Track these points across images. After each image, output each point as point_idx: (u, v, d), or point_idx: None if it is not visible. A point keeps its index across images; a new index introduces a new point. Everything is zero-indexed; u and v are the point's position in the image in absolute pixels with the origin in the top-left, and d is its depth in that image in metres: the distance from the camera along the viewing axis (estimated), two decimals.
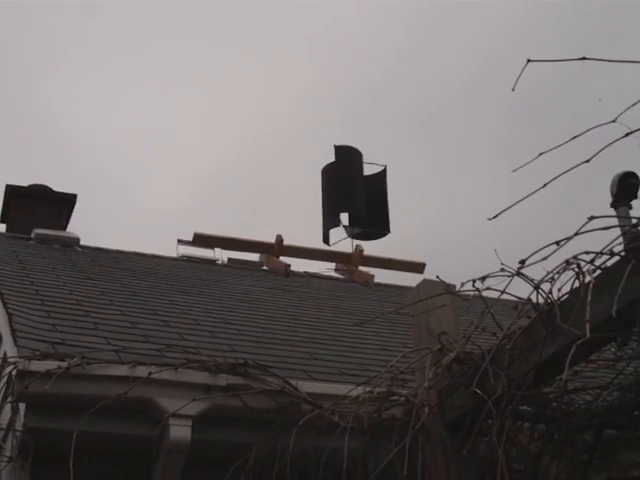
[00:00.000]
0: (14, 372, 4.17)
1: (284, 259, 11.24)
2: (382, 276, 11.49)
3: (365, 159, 12.34)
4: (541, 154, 2.65)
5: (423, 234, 23.07)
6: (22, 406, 4.22)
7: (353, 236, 11.88)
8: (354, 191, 11.92)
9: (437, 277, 3.74)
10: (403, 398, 3.91)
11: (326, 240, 11.93)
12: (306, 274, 11.08)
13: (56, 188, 11.28)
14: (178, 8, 29.10)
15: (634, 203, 7.29)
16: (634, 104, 2.60)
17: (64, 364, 4.21)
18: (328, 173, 12.16)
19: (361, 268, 11.54)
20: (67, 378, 4.18)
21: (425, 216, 24.22)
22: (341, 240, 11.90)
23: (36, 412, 4.20)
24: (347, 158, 12.14)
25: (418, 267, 11.89)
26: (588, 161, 2.65)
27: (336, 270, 11.72)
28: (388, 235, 12.21)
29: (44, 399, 4.15)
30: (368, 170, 12.34)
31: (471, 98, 28.08)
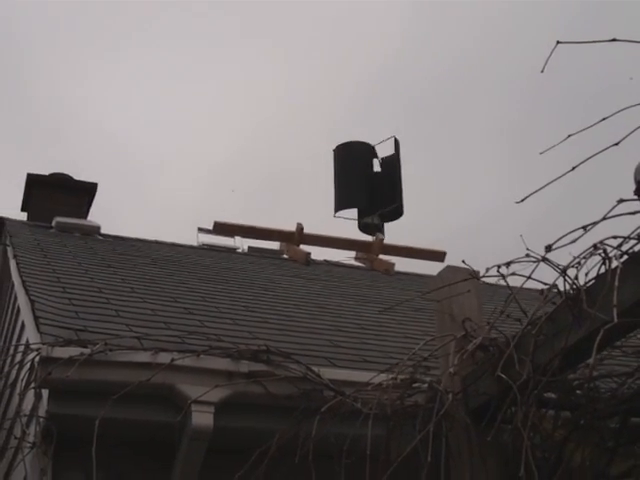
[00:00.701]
0: (37, 359, 4.18)
1: (304, 247, 11.22)
2: (402, 265, 11.48)
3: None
4: (570, 136, 2.62)
5: (440, 221, 23.01)
6: (45, 392, 4.23)
7: (378, 226, 11.89)
8: (358, 186, 11.97)
9: (463, 261, 3.70)
10: (426, 385, 3.89)
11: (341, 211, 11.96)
12: (326, 262, 11.06)
13: (77, 177, 11.33)
14: (193, 5, 29.12)
15: None
16: None
17: (87, 351, 4.21)
18: (342, 152, 12.19)
19: (381, 256, 11.51)
20: (90, 364, 4.18)
21: (441, 204, 24.16)
22: (351, 219, 11.96)
23: (59, 398, 4.20)
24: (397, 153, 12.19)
25: (439, 255, 11.84)
26: (617, 144, 2.61)
27: (356, 259, 11.69)
28: (404, 218, 12.16)
29: (67, 385, 4.14)
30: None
31: (492, 83, 27.94)
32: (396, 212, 11.96)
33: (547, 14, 25.82)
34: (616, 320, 2.68)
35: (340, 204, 11.98)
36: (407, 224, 12.27)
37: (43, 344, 4.24)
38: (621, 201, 2.69)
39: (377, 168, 12.23)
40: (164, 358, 4.28)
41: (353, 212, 12.11)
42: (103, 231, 10.16)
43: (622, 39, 2.42)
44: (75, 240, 9.31)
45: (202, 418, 4.22)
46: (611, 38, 2.44)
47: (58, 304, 5.43)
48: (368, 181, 11.99)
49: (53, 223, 9.95)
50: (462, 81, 27.85)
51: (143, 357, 4.30)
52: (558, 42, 2.46)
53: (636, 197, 7.21)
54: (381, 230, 11.90)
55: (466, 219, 24.03)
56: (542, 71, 2.41)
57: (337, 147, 12.30)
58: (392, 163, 12.14)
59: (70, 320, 5.00)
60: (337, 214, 11.96)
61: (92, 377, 4.21)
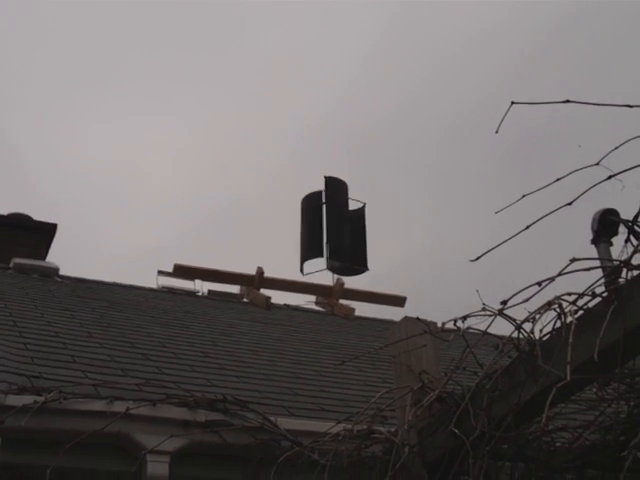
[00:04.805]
0: None
1: (265, 291, 11.20)
2: (363, 309, 11.49)
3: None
4: (524, 196, 2.66)
5: (405, 268, 23.08)
6: None
7: (333, 270, 11.89)
8: (340, 224, 11.97)
9: (417, 318, 3.73)
10: (384, 436, 3.88)
11: (303, 270, 11.96)
12: (287, 307, 11.05)
13: (36, 217, 11.26)
14: (158, 47, 29.23)
15: (614, 239, 7.33)
16: (616, 147, 2.61)
17: (41, 399, 4.16)
18: (309, 202, 12.21)
19: (341, 301, 11.52)
20: (44, 413, 4.13)
21: (407, 251, 24.25)
22: (317, 272, 11.92)
23: (12, 447, 4.14)
24: (336, 190, 12.21)
25: (399, 301, 11.88)
26: (570, 204, 2.65)
27: (316, 303, 11.70)
28: (367, 272, 12.21)
29: (20, 434, 4.09)
30: (350, 205, 12.40)
31: (455, 139, 28.18)
32: (360, 271, 12.08)
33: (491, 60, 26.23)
34: (569, 378, 2.70)
35: (304, 257, 11.99)
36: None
37: None
38: (574, 260, 2.73)
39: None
40: (120, 407, 4.24)
41: (318, 262, 12.10)
42: (62, 272, 10.07)
43: (574, 100, 2.47)
44: (33, 282, 9.22)
45: (157, 468, 4.19)
46: (564, 99, 2.49)
47: (13, 349, 5.37)
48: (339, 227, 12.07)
49: (11, 264, 9.85)
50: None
51: (98, 406, 4.26)
52: (512, 103, 2.50)
53: (593, 247, 7.25)
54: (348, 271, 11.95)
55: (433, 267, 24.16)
56: (497, 132, 2.45)
57: (303, 198, 12.33)
58: (359, 222, 12.23)
59: (25, 366, 4.95)
60: (305, 271, 11.96)
61: (46, 425, 4.16)
